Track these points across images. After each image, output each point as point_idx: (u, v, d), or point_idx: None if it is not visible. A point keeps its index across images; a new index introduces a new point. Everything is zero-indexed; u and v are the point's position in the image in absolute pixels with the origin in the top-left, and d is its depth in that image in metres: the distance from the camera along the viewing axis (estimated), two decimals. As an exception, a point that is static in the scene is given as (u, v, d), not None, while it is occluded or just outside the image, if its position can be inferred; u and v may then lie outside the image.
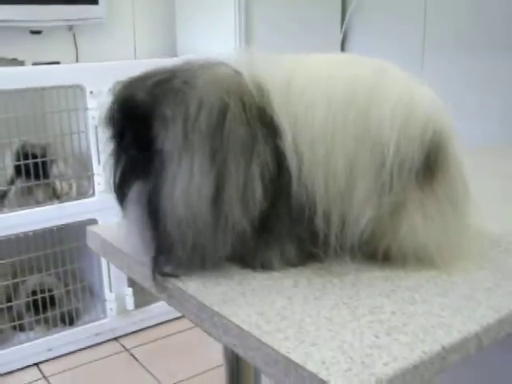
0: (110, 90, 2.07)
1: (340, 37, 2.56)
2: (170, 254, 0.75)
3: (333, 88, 0.75)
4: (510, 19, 2.03)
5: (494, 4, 2.06)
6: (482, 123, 1.94)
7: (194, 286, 0.75)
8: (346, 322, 0.65)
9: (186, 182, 0.71)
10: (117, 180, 0.79)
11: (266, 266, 0.78)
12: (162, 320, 2.41)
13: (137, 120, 0.74)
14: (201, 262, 0.76)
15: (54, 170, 2.10)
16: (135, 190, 0.78)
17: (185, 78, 0.74)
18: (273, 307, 0.69)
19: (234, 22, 2.27)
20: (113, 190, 0.80)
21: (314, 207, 0.74)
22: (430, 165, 0.75)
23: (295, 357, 0.58)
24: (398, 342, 0.61)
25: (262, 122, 0.74)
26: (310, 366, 0.57)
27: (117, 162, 0.79)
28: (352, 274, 0.78)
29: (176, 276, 0.76)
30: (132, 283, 2.27)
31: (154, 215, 0.73)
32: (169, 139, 0.72)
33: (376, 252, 0.79)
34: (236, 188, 0.72)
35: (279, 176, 0.74)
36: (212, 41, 2.38)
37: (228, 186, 0.71)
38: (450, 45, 2.20)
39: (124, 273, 0.89)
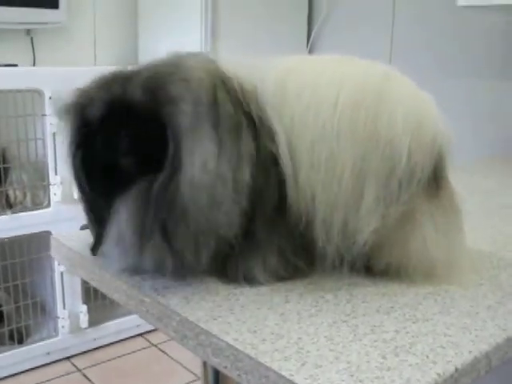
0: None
1: (306, 52, 2.54)
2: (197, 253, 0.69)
3: (338, 89, 0.70)
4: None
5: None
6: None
7: (175, 301, 0.69)
8: (348, 341, 0.60)
9: (204, 158, 0.65)
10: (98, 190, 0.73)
11: (249, 279, 0.73)
12: (118, 339, 2.30)
13: (137, 118, 0.68)
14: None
15: (11, 177, 1.98)
16: (134, 191, 0.70)
17: (169, 65, 0.72)
18: (266, 324, 0.63)
19: (199, 31, 2.20)
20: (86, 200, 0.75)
21: (312, 214, 0.68)
22: (437, 175, 0.72)
23: (300, 380, 0.52)
24: (408, 364, 0.56)
25: (245, 114, 0.70)
26: (317, 391, 0.51)
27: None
28: (344, 288, 0.73)
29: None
30: (87, 300, 2.16)
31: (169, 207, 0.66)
32: (183, 115, 0.66)
33: (375, 265, 0.74)
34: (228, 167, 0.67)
35: (263, 180, 0.69)
36: (175, 48, 2.30)
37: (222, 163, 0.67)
38: (417, 62, 2.21)
39: (94, 285, 0.81)
